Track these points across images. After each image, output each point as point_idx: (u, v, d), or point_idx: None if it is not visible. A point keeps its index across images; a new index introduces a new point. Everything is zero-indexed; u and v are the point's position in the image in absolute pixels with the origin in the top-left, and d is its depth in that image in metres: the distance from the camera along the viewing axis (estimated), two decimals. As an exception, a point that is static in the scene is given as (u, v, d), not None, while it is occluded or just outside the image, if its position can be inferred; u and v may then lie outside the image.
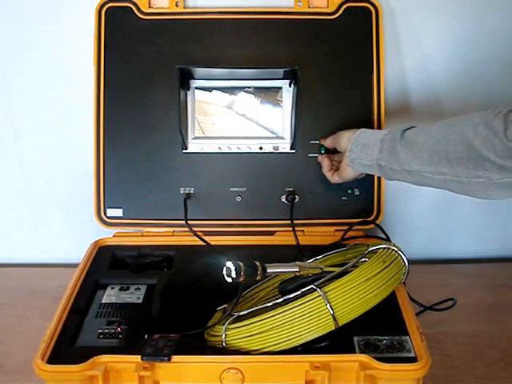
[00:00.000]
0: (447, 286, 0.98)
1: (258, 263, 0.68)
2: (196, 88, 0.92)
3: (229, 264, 0.66)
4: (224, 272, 0.66)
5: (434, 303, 0.85)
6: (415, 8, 0.95)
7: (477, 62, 0.97)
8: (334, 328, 0.63)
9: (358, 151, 0.79)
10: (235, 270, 0.66)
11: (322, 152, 0.91)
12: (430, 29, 0.96)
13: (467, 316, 0.91)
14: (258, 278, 0.68)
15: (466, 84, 0.98)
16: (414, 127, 0.76)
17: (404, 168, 0.73)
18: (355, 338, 0.68)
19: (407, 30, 0.96)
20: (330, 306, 0.63)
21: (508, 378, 0.81)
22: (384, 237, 0.87)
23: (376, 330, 0.69)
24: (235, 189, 0.93)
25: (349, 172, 0.84)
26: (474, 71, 0.98)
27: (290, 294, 0.68)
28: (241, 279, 0.66)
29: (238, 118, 0.93)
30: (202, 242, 0.87)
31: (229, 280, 0.66)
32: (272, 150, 0.93)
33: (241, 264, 0.66)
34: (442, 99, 0.99)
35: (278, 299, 0.71)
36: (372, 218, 0.93)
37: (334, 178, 0.88)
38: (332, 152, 0.90)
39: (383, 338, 0.68)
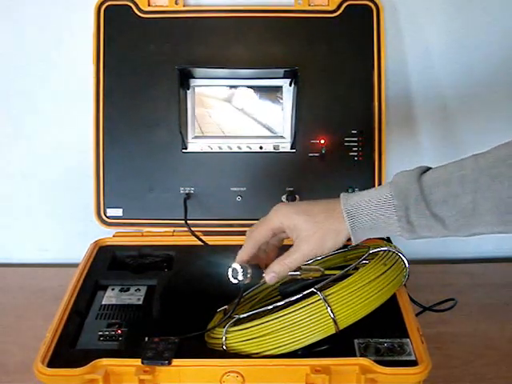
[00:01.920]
0: (447, 286, 0.97)
1: None
2: (196, 87, 0.92)
3: (235, 265, 0.66)
4: (230, 273, 0.66)
5: (434, 303, 0.85)
6: (418, 5, 0.94)
7: (480, 60, 0.97)
8: (334, 331, 0.63)
9: (366, 235, 0.63)
10: (242, 271, 0.65)
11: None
12: (432, 27, 0.95)
13: (467, 316, 0.91)
14: (262, 280, 0.68)
15: (469, 82, 0.98)
16: (424, 172, 0.60)
17: (456, 236, 0.59)
18: (355, 341, 0.68)
19: (409, 27, 0.95)
20: (331, 310, 0.63)
21: (508, 378, 0.80)
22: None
23: (376, 333, 0.69)
24: (235, 188, 0.93)
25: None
26: (477, 69, 0.97)
27: (290, 295, 0.68)
28: (246, 281, 0.66)
29: (238, 118, 0.93)
30: (202, 242, 0.87)
31: (234, 282, 0.66)
32: (272, 150, 0.93)
33: (247, 266, 0.66)
34: (445, 98, 0.99)
35: (278, 301, 0.70)
36: (372, 217, 0.92)
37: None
38: None
39: (384, 340, 0.68)
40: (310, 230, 0.64)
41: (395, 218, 0.60)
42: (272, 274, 0.66)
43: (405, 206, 0.59)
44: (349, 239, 0.64)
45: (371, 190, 0.63)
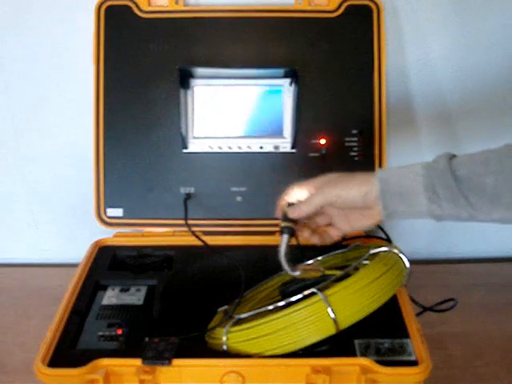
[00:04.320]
0: (448, 286, 0.98)
1: None
2: (196, 87, 0.92)
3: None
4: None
5: (434, 303, 0.85)
6: (418, 5, 0.94)
7: (480, 60, 0.97)
8: (335, 332, 0.63)
9: (395, 204, 0.65)
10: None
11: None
12: (433, 27, 0.95)
13: (468, 316, 0.91)
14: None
15: (470, 83, 0.98)
16: (454, 156, 0.63)
17: (479, 218, 0.61)
18: (356, 341, 0.68)
19: (410, 27, 0.95)
20: (332, 310, 0.63)
21: (508, 377, 0.81)
22: (384, 237, 0.86)
23: (377, 333, 0.69)
24: (235, 188, 0.93)
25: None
26: (477, 70, 0.97)
27: (291, 296, 0.68)
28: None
29: (239, 118, 0.93)
30: (202, 243, 0.87)
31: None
32: (272, 150, 0.93)
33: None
34: (445, 98, 0.99)
35: (279, 301, 0.70)
36: (373, 218, 0.92)
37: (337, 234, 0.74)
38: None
39: (384, 340, 0.68)
40: (339, 177, 0.69)
41: (422, 187, 0.63)
42: (294, 207, 0.71)
43: (432, 176, 0.62)
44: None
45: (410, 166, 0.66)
